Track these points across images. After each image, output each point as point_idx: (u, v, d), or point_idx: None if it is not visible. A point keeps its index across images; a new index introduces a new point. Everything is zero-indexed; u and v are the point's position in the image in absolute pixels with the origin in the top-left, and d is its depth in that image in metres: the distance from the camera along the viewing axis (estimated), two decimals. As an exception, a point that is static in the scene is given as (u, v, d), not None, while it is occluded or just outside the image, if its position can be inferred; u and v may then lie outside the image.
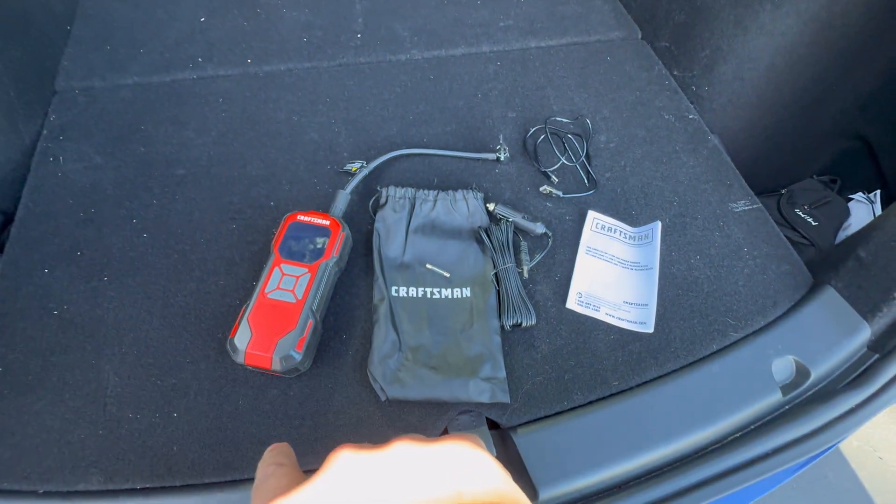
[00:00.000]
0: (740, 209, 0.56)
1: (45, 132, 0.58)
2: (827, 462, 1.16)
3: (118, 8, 0.72)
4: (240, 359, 0.39)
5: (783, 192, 0.73)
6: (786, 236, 0.55)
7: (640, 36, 0.75)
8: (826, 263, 0.50)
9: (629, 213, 0.55)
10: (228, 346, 0.40)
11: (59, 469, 0.39)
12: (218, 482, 0.38)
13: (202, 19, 0.71)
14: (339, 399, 0.42)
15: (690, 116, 0.65)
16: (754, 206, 0.56)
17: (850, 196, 0.72)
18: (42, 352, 0.44)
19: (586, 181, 0.57)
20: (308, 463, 0.39)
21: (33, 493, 0.38)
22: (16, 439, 0.40)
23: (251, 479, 0.38)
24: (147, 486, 0.38)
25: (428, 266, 0.48)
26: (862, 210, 0.69)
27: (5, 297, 0.47)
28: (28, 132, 0.58)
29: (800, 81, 0.67)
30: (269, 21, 0.72)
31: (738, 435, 0.42)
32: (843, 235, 0.69)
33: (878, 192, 0.69)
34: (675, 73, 0.70)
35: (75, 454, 0.39)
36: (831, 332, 0.46)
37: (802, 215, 0.69)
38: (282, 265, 0.43)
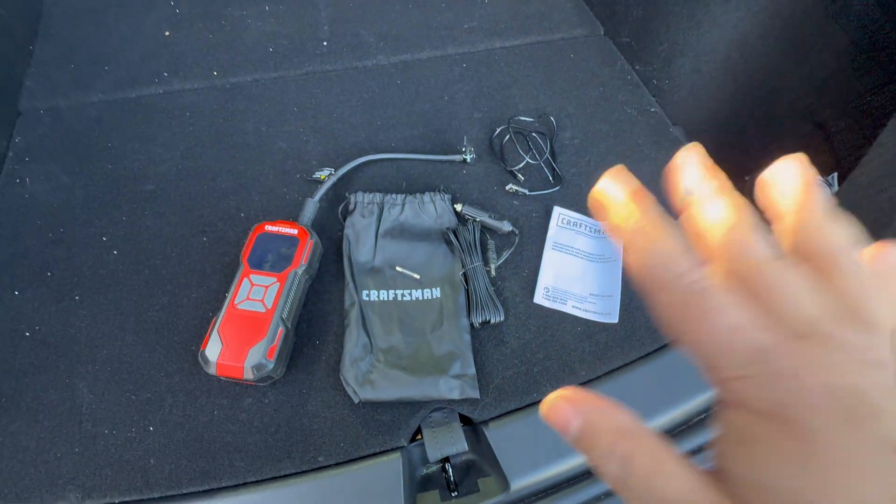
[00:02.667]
0: (701, 198, 0.58)
1: (10, 154, 0.58)
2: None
3: (81, 25, 0.72)
4: (211, 370, 0.40)
5: (746, 178, 0.75)
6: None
7: (602, 32, 0.77)
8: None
9: (594, 207, 0.57)
10: (200, 359, 0.41)
11: (36, 488, 0.39)
12: (196, 492, 0.39)
13: (166, 33, 0.71)
14: (314, 403, 0.43)
15: (652, 110, 0.67)
16: (714, 195, 0.58)
17: (811, 180, 0.74)
18: (15, 373, 0.44)
19: (551, 178, 0.59)
20: (284, 468, 0.40)
21: (11, 514, 0.38)
22: (-8, 462, 0.40)
23: (229, 488, 0.39)
24: (125, 499, 0.39)
25: (398, 269, 0.49)
26: (822, 193, 0.72)
27: (-24, 321, 0.47)
28: (-7, 155, 0.58)
29: (755, 72, 0.69)
30: (234, 32, 0.72)
31: (701, 417, 0.44)
32: (804, 218, 0.71)
33: (835, 174, 0.71)
34: (637, 67, 0.72)
35: (52, 472, 0.39)
36: (788, 313, 0.48)
37: (765, 201, 0.71)
38: (251, 275, 0.44)
